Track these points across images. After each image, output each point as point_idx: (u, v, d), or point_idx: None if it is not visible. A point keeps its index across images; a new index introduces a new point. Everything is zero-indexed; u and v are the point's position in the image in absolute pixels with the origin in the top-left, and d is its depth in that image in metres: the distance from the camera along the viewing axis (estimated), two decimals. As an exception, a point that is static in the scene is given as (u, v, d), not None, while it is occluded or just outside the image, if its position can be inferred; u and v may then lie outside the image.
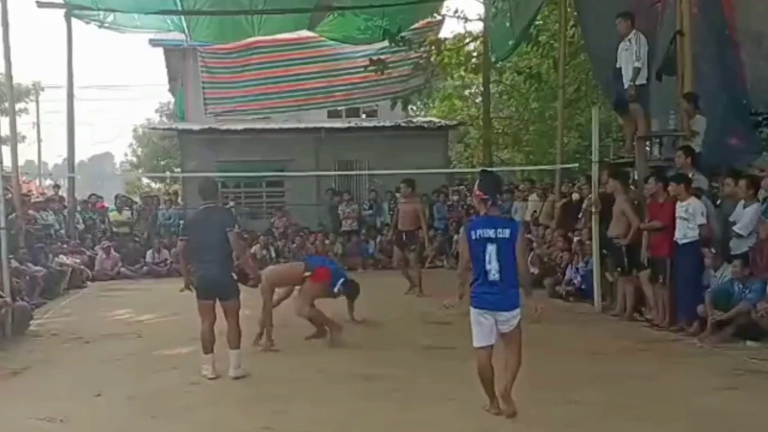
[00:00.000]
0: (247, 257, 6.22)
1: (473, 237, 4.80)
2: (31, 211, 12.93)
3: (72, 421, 5.02)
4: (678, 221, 7.58)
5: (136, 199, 19.01)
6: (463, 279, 5.06)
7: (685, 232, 7.52)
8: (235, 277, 6.13)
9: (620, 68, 8.93)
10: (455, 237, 15.24)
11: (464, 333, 7.81)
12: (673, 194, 7.70)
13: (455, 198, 17.26)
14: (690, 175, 7.88)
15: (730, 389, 5.45)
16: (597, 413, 4.94)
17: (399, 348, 7.21)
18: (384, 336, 7.88)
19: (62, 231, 14.09)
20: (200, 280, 6.04)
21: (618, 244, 8.44)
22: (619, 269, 8.66)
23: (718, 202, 8.25)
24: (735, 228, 7.38)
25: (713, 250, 7.47)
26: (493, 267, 4.71)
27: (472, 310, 4.83)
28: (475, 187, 5.06)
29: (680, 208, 7.57)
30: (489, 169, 17.39)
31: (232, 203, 16.46)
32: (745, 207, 7.39)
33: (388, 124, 18.50)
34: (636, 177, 9.60)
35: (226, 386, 5.84)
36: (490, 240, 4.74)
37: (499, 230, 4.77)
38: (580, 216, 10.63)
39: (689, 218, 7.47)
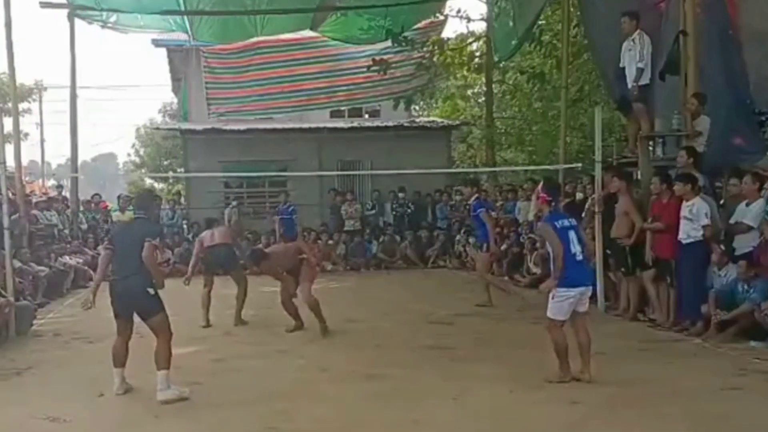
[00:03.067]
0: (156, 267, 5.69)
1: (558, 226, 5.54)
2: (34, 212, 12.95)
3: (75, 421, 5.03)
4: (682, 221, 7.54)
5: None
6: (547, 268, 6.05)
7: (688, 232, 7.48)
8: (152, 292, 5.56)
9: (624, 68, 8.92)
10: (457, 237, 15.26)
11: (466, 333, 7.86)
12: (678, 194, 7.66)
13: (458, 198, 17.25)
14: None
15: (733, 389, 5.43)
16: (599, 413, 4.93)
17: (401, 348, 7.21)
18: (386, 336, 7.87)
19: (65, 231, 14.12)
20: (113, 294, 5.61)
21: (621, 244, 8.42)
22: (622, 269, 8.64)
23: (722, 201, 8.21)
24: (745, 220, 7.28)
25: (722, 247, 7.39)
26: (577, 249, 5.53)
27: (563, 291, 5.48)
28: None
29: (685, 208, 7.52)
30: (491, 168, 17.62)
31: (234, 203, 16.51)
32: (747, 205, 7.33)
33: (390, 124, 18.48)
34: (639, 177, 9.58)
35: (229, 386, 5.84)
36: (569, 228, 5.59)
37: (569, 220, 5.69)
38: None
39: (693, 219, 7.43)
